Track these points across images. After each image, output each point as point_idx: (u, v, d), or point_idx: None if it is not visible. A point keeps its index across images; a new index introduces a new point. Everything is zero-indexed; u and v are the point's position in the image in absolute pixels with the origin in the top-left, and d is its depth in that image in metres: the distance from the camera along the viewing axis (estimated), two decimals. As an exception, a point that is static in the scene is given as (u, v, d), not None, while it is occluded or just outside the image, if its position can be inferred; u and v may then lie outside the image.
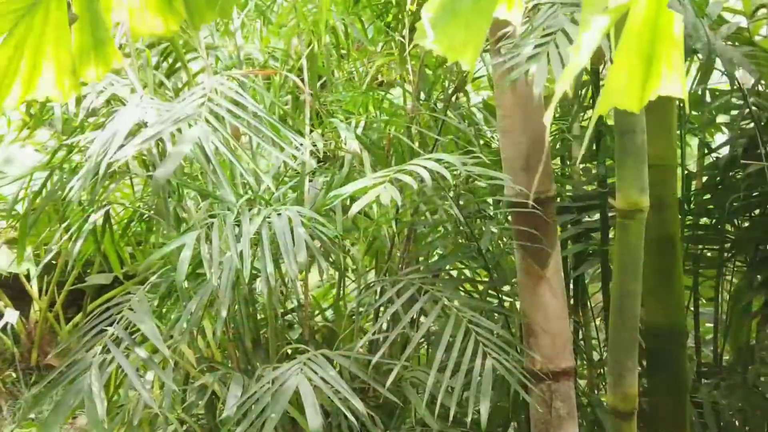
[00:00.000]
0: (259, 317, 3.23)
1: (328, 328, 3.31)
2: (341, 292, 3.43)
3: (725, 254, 3.20)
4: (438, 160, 2.32)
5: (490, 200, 3.09)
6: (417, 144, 3.10)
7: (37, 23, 1.42)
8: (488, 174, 2.43)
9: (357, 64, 3.69)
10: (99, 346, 2.52)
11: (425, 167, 2.20)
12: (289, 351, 2.93)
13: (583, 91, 3.33)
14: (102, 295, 6.32)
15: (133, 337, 2.56)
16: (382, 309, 2.84)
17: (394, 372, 2.45)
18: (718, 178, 3.22)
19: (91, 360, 2.49)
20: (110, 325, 2.60)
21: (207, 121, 2.23)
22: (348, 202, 2.67)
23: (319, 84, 3.56)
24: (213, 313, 3.06)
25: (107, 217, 2.91)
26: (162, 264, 2.81)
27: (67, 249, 2.98)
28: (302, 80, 3.16)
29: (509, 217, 2.99)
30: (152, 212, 2.90)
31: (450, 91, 3.55)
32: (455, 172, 2.54)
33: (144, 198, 3.26)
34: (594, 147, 3.11)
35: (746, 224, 3.16)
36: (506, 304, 3.14)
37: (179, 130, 2.22)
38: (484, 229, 2.82)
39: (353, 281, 3.13)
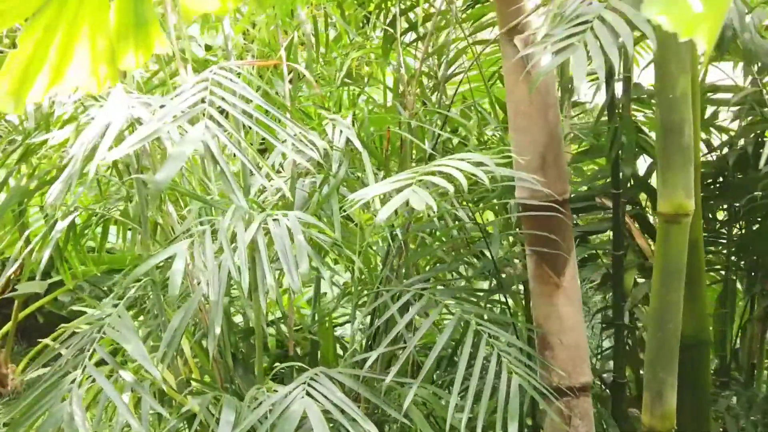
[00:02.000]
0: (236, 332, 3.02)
1: (311, 342, 3.11)
2: (317, 302, 3.25)
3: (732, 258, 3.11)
4: (460, 160, 2.13)
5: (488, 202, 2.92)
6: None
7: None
8: (511, 175, 2.25)
9: (333, 57, 3.49)
10: (77, 369, 2.27)
11: (455, 167, 2.01)
12: (280, 369, 2.72)
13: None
14: (29, 305, 6.02)
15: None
16: (379, 321, 2.64)
17: (410, 395, 2.25)
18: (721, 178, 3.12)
19: (70, 385, 2.24)
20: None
21: (211, 117, 2.00)
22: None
23: (289, 78, 3.35)
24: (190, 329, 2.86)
25: (72, 222, 2.66)
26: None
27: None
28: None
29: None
30: (122, 217, 2.65)
31: (432, 85, 3.39)
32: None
33: (107, 201, 3.00)
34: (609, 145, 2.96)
35: (756, 227, 3.07)
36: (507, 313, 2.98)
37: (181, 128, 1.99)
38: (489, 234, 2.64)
39: (348, 292, 2.92)
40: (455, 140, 3.14)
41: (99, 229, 3.28)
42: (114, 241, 4.27)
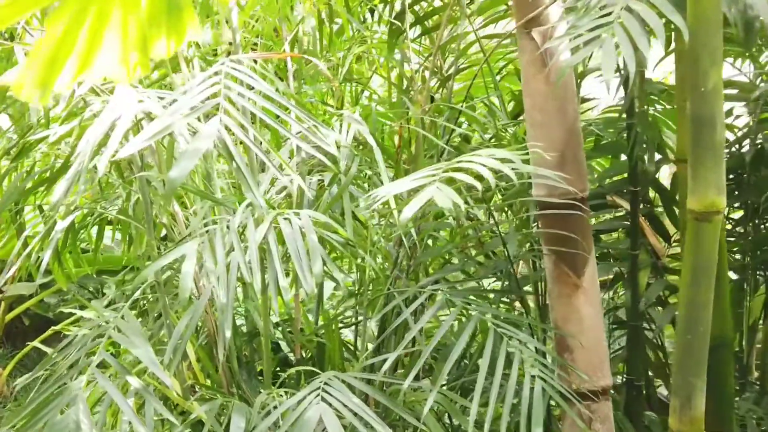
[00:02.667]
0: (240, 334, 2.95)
1: (317, 344, 3.03)
2: (320, 304, 3.18)
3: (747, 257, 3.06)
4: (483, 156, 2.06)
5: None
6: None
7: (105, -20, 1.12)
8: (533, 172, 2.18)
9: (336, 51, 3.41)
10: (83, 374, 2.19)
11: (481, 164, 1.94)
12: (289, 373, 2.65)
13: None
14: (14, 307, 5.91)
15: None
16: (395, 323, 2.56)
17: (430, 402, 2.18)
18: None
19: (76, 392, 2.15)
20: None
21: (226, 112, 1.93)
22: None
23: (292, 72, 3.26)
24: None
25: (72, 222, 2.58)
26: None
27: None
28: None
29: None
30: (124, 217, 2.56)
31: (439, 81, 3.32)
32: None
33: (104, 200, 2.91)
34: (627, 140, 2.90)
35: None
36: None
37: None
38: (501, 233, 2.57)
39: (358, 293, 2.85)
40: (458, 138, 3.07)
41: (93, 229, 3.22)
42: (104, 242, 4.17)
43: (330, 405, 2.20)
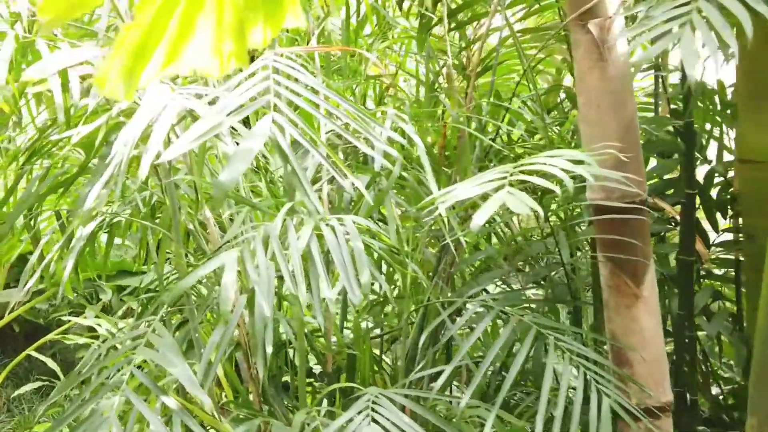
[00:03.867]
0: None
1: (347, 356, 2.89)
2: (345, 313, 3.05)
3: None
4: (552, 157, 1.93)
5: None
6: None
7: (201, -39, 0.98)
8: (601, 174, 2.04)
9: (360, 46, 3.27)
10: (117, 394, 2.04)
11: (555, 165, 1.81)
12: (326, 389, 2.51)
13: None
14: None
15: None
16: (445, 335, 2.43)
17: (489, 424, 2.05)
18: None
19: (111, 415, 2.01)
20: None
21: (277, 109, 1.78)
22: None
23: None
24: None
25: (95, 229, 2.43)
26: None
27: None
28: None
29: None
30: (153, 223, 2.41)
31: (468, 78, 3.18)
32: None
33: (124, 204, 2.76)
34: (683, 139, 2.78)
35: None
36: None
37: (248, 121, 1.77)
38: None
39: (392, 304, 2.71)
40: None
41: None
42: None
43: (382, 426, 2.06)
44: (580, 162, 1.87)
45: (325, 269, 2.10)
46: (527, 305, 2.66)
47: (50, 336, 5.41)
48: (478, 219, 1.73)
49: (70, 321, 5.52)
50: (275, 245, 2.06)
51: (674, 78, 3.39)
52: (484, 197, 1.79)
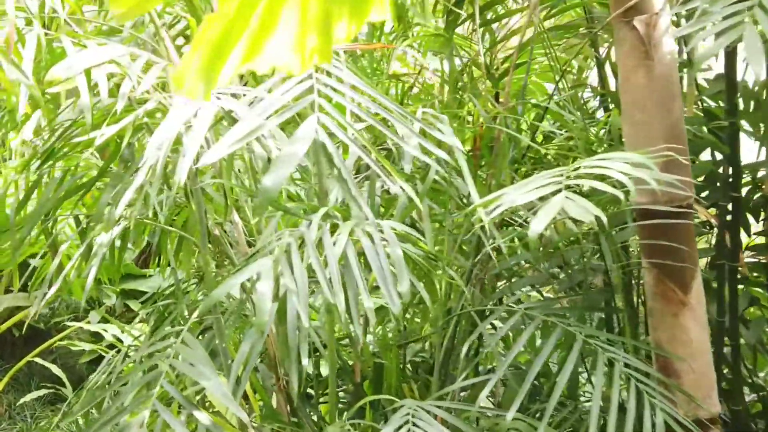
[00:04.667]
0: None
1: (375, 365, 2.80)
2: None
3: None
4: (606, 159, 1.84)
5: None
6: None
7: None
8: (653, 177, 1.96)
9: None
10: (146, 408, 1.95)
11: (615, 169, 1.72)
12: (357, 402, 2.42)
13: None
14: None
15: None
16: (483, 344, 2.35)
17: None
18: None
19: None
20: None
21: (322, 110, 1.70)
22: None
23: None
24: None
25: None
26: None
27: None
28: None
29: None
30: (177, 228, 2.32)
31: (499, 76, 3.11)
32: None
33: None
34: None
35: None
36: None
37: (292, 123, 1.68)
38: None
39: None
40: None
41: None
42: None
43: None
44: (644, 165, 1.78)
45: (362, 276, 2.02)
46: (565, 313, 2.57)
47: (54, 340, 5.33)
48: (537, 225, 1.64)
49: (71, 325, 5.45)
50: (311, 252, 1.98)
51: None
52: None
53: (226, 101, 1.81)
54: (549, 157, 3.02)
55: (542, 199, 1.76)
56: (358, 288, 2.01)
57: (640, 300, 2.73)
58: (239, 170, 2.45)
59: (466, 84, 3.06)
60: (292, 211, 2.11)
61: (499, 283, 2.81)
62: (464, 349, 2.20)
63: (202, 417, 1.97)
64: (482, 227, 2.44)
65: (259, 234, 2.47)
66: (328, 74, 1.84)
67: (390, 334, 2.94)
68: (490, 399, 3.02)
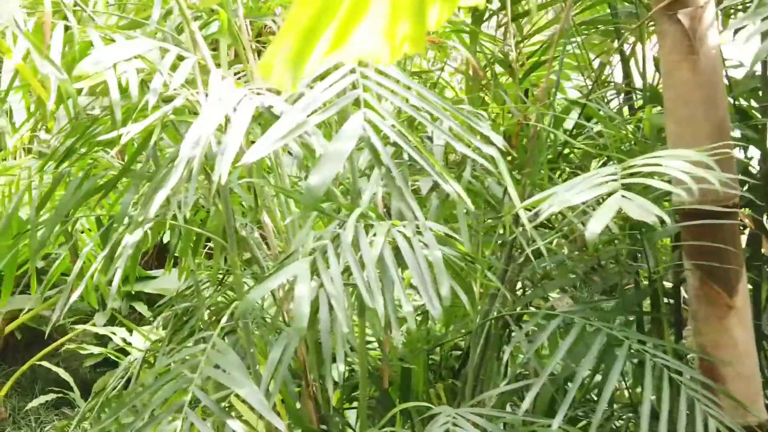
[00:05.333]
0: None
1: (402, 370, 2.73)
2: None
3: None
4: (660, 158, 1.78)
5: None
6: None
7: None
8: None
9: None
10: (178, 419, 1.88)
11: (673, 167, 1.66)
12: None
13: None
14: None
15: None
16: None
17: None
18: None
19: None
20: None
21: (368, 105, 1.63)
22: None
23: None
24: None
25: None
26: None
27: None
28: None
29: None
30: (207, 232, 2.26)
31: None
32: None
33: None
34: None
35: None
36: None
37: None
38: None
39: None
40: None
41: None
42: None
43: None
44: (704, 164, 1.72)
45: (400, 279, 1.96)
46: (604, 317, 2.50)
47: (62, 341, 5.26)
48: (595, 226, 1.58)
49: (75, 328, 5.37)
50: (349, 254, 1.91)
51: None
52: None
53: (266, 97, 1.74)
54: (572, 155, 2.96)
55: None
56: (395, 291, 1.95)
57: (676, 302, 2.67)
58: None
59: (490, 81, 3.00)
60: (327, 211, 2.04)
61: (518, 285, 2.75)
62: (506, 354, 2.12)
63: (237, 427, 1.90)
64: (517, 228, 2.38)
65: (283, 236, 2.41)
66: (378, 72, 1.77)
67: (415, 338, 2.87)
68: (519, 405, 2.96)
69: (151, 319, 5.53)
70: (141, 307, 5.57)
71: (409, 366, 2.68)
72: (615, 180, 1.69)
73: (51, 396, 4.80)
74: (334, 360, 1.90)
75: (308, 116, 1.62)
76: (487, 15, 3.00)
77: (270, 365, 2.00)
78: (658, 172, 1.74)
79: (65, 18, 2.12)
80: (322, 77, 1.79)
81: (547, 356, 2.67)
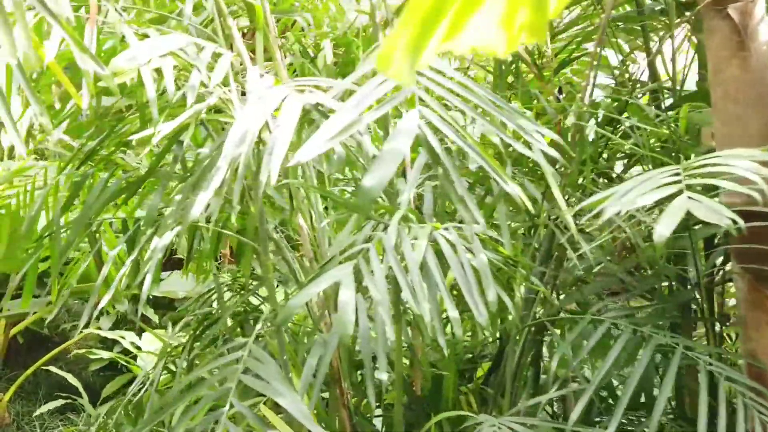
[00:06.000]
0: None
1: (433, 377, 2.67)
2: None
3: None
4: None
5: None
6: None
7: None
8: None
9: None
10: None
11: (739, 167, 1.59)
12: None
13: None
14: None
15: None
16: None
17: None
18: None
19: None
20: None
21: (423, 102, 1.56)
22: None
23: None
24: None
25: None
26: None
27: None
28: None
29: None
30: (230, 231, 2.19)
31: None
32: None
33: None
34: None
35: None
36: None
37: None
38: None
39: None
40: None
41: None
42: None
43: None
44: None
45: (444, 284, 1.89)
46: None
47: (64, 346, 5.18)
48: (663, 229, 1.51)
49: (81, 332, 5.29)
50: (392, 259, 1.85)
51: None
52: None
53: (312, 93, 1.67)
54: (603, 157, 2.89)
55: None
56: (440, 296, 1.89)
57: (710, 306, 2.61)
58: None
59: (519, 78, 2.93)
60: (374, 216, 1.97)
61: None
62: (554, 361, 2.05)
63: (278, 438, 1.83)
64: (556, 230, 2.32)
65: (314, 239, 2.34)
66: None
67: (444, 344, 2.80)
68: (554, 411, 2.90)
69: (157, 322, 5.46)
70: (147, 310, 5.49)
71: (441, 372, 2.62)
72: (678, 180, 1.62)
73: (59, 402, 4.71)
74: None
75: (361, 114, 1.55)
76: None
77: (307, 373, 1.93)
78: (719, 172, 1.68)
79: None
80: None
81: (583, 361, 2.60)
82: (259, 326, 2.04)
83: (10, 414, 5.45)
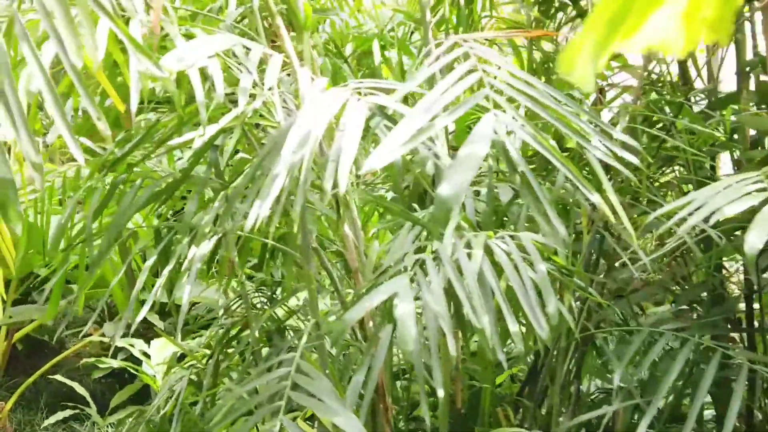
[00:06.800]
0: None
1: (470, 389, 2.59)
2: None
3: None
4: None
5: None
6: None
7: None
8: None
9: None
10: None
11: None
12: None
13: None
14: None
15: None
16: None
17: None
18: None
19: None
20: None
21: (496, 105, 1.48)
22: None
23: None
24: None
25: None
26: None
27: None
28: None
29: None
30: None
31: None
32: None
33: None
34: None
35: None
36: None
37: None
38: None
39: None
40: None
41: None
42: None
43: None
44: None
45: (503, 296, 1.81)
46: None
47: (68, 353, 5.08)
48: (755, 240, 1.43)
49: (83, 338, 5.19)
50: (450, 270, 1.77)
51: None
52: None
53: (377, 97, 1.59)
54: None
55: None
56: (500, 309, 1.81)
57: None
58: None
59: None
60: (426, 223, 1.89)
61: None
62: (616, 378, 1.97)
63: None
64: (607, 236, 2.24)
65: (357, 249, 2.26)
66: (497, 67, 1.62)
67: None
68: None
69: (163, 329, 5.35)
70: (153, 317, 5.38)
71: (480, 384, 2.54)
72: (765, 188, 1.54)
73: (68, 412, 4.60)
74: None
75: (432, 119, 1.46)
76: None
77: (354, 389, 1.85)
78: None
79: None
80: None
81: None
82: (304, 339, 1.95)
83: (12, 423, 5.34)
